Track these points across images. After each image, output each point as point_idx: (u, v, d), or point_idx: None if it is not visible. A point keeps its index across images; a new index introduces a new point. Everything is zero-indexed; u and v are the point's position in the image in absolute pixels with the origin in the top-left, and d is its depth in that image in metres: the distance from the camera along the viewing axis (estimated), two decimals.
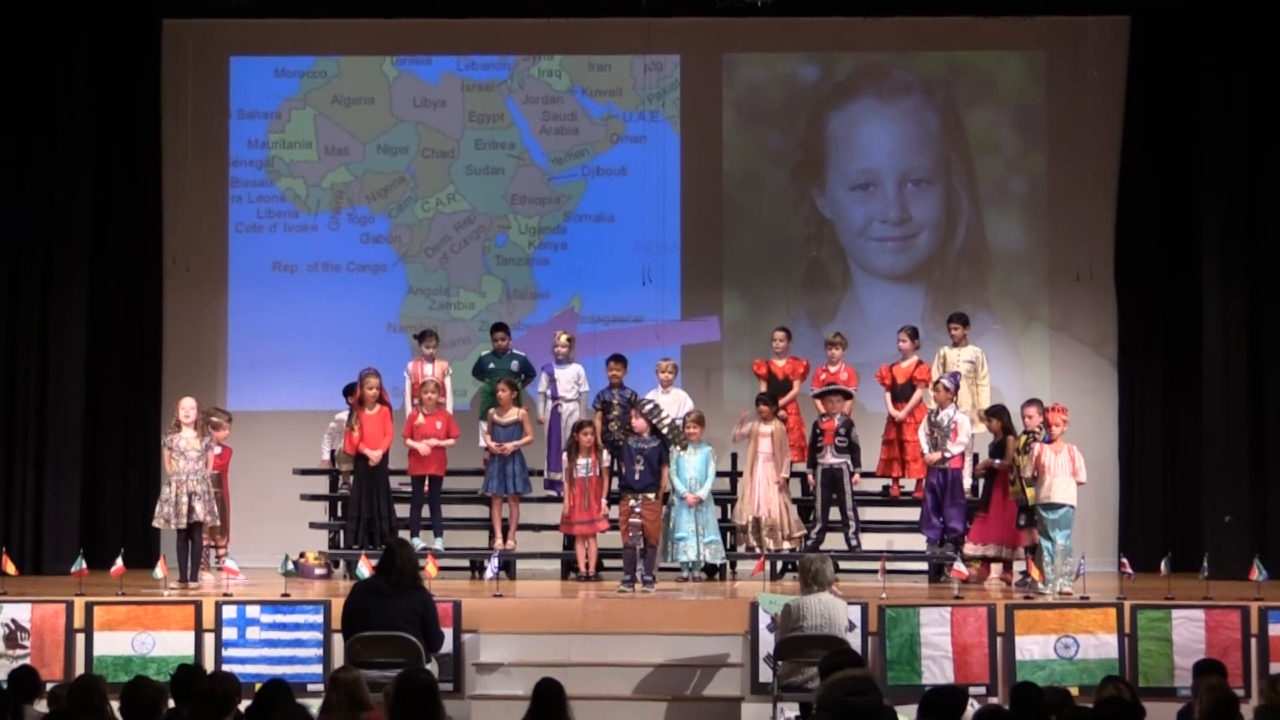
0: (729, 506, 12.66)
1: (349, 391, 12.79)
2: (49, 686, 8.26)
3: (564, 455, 12.25)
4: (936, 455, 12.04)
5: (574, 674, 9.65)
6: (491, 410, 12.55)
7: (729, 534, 12.39)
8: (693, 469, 12.07)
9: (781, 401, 12.68)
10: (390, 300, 14.58)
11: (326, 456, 12.97)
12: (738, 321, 14.56)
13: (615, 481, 12.27)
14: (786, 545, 12.16)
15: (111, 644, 10.41)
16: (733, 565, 12.45)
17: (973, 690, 9.92)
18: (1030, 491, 11.40)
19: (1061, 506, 11.22)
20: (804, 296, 14.55)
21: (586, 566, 12.13)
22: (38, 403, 13.23)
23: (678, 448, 12.06)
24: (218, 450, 12.18)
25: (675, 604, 11.10)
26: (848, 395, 12.56)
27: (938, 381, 12.31)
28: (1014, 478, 11.60)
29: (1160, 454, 13.89)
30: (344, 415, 12.72)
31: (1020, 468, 11.49)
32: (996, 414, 12.04)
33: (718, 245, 14.60)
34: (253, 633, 10.43)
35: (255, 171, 14.68)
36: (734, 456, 12.76)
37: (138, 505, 13.62)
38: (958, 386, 12.31)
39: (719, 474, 12.32)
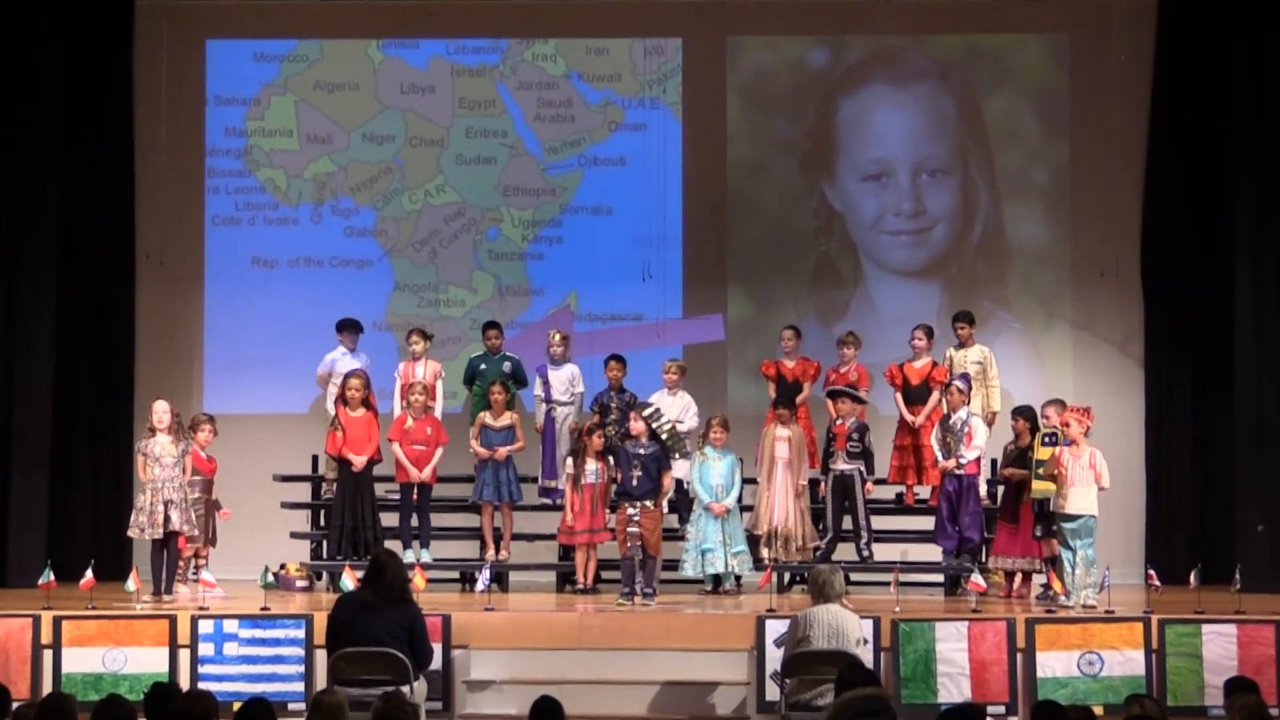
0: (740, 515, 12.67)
1: (342, 328, 12.93)
2: (15, 706, 8.24)
3: (568, 460, 12.23)
4: (951, 463, 12.04)
5: (570, 692, 9.64)
6: (483, 413, 12.55)
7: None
8: (718, 476, 12.08)
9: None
10: (376, 297, 14.57)
11: (331, 406, 12.74)
12: (743, 320, 14.57)
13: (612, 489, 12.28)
14: (798, 556, 12.17)
15: (81, 660, 10.40)
16: (738, 578, 12.44)
17: (991, 709, 9.93)
18: (1049, 485, 11.36)
19: (1080, 516, 11.21)
20: (813, 293, 14.55)
21: (585, 578, 12.13)
22: (3, 405, 13.22)
23: (694, 454, 12.09)
24: (205, 454, 12.17)
25: (677, 618, 11.11)
26: (859, 400, 12.56)
27: (950, 384, 12.32)
28: (1040, 472, 11.57)
29: (1190, 459, 13.88)
30: (333, 357, 12.94)
31: (1042, 461, 11.45)
32: (1024, 414, 12.03)
33: (722, 239, 14.59)
34: (230, 649, 10.42)
35: (233, 161, 14.67)
36: (740, 462, 12.74)
37: (109, 513, 13.60)
38: (970, 388, 12.32)
39: None
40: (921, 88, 14.67)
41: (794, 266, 14.59)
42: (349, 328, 13.23)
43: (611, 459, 12.11)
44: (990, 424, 12.70)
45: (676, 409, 12.63)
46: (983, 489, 12.39)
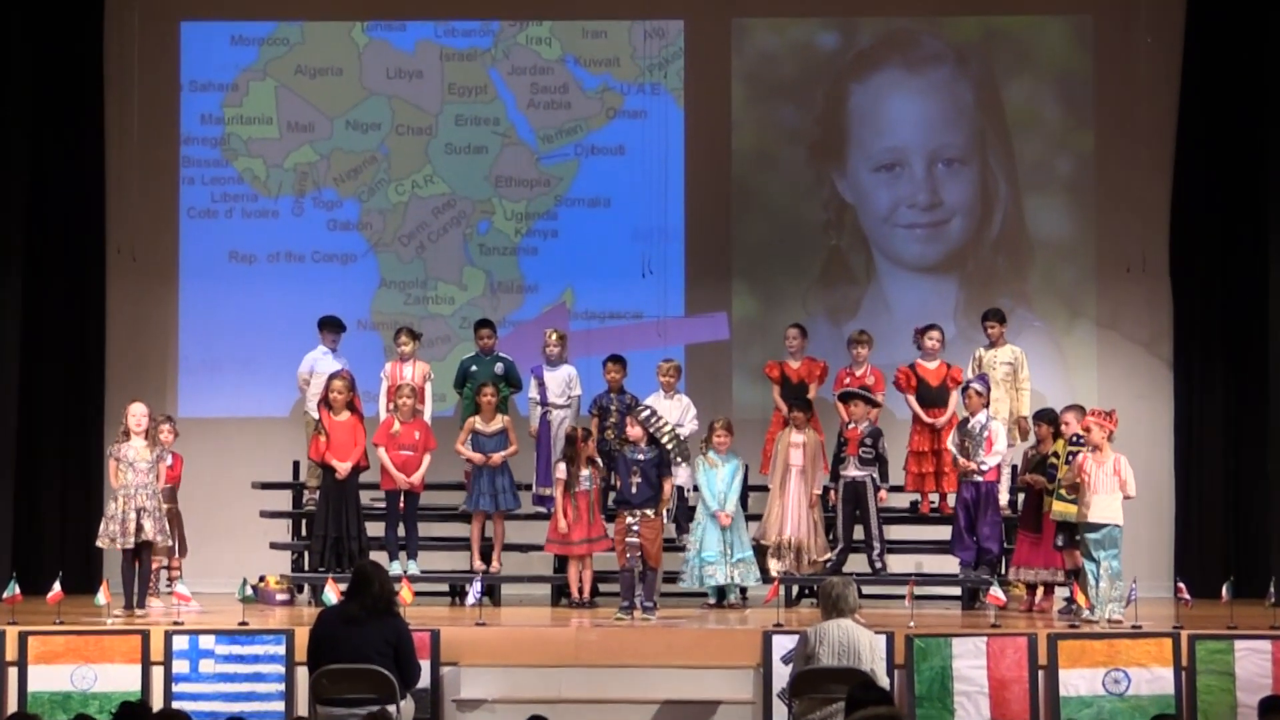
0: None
1: (323, 326, 12.97)
2: None
3: (559, 466, 12.20)
4: (973, 465, 12.01)
5: (566, 711, 9.67)
6: (473, 418, 12.53)
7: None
8: (721, 483, 12.07)
9: None
10: (360, 294, 14.57)
11: (312, 409, 12.74)
12: (748, 318, 14.56)
13: (610, 496, 12.27)
14: (810, 569, 12.16)
15: (48, 678, 10.37)
16: (743, 591, 12.45)
17: None
18: (1072, 508, 11.39)
19: (1104, 525, 11.20)
20: (822, 290, 14.55)
21: (580, 591, 12.13)
22: None
23: (697, 459, 12.09)
24: (168, 460, 12.16)
25: (678, 633, 11.09)
26: (873, 403, 12.55)
27: (968, 385, 12.31)
28: (1053, 487, 11.60)
29: (1221, 466, 13.87)
30: (314, 357, 12.97)
31: (1062, 479, 11.46)
32: (1046, 418, 12.01)
33: (726, 233, 14.60)
34: (206, 666, 10.40)
35: (209, 150, 14.67)
36: (746, 468, 12.74)
37: (78, 523, 13.59)
38: (989, 390, 12.31)
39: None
40: (937, 73, 14.67)
41: (802, 262, 14.59)
42: (330, 326, 13.22)
43: (600, 462, 12.08)
44: (1022, 429, 12.68)
45: (675, 412, 12.61)
46: (1003, 498, 12.39)
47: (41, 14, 13.80)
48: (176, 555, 12.37)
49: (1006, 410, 12.70)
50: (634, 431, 11.81)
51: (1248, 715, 9.94)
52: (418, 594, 11.35)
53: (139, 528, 11.46)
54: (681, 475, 12.35)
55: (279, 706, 10.26)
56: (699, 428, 12.65)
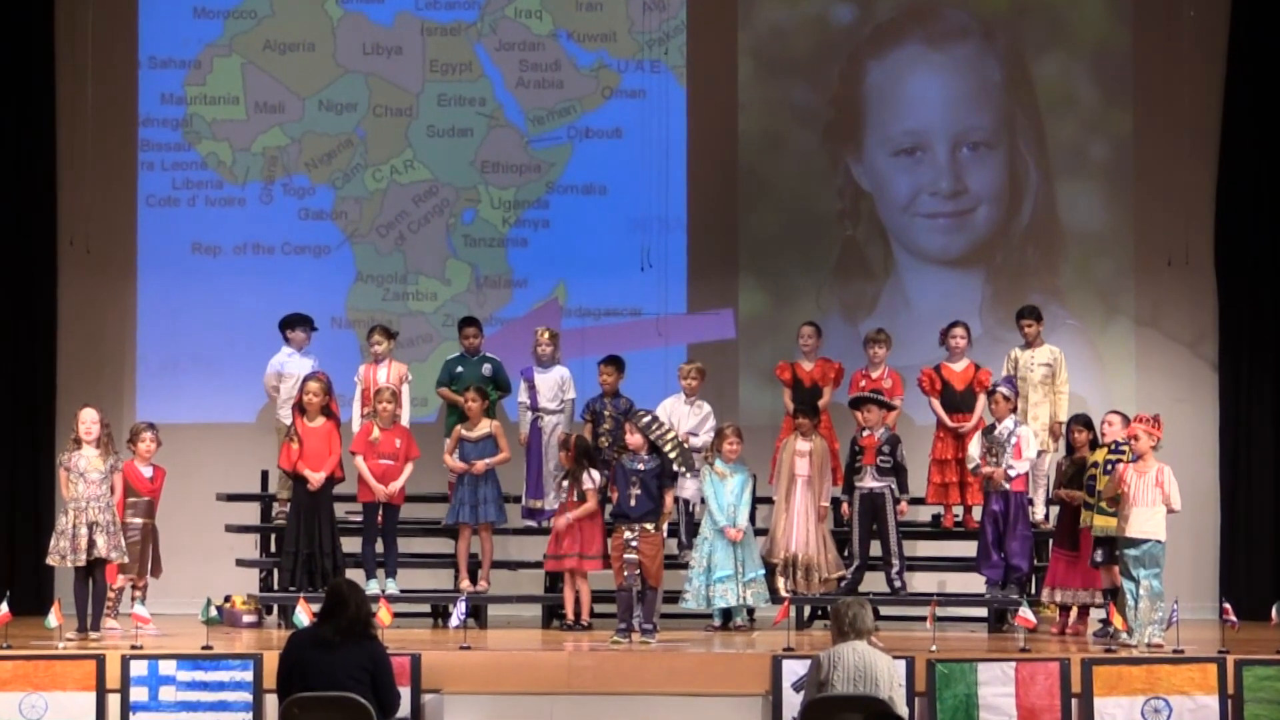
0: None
1: (290, 324, 12.97)
2: None
3: (557, 476, 12.22)
4: (1000, 471, 12.00)
5: None
6: (460, 426, 12.53)
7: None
8: (730, 495, 12.08)
9: None
10: (335, 289, 14.58)
11: (286, 417, 12.78)
12: (756, 316, 14.58)
13: (607, 509, 12.28)
14: (820, 588, 12.17)
15: None
16: (750, 612, 12.46)
17: None
18: (1114, 521, 11.40)
19: (1145, 541, 11.20)
20: (837, 285, 14.57)
21: (579, 612, 12.13)
22: None
23: (704, 469, 12.10)
24: (148, 472, 12.15)
25: (680, 658, 11.10)
26: (890, 407, 12.56)
27: (994, 389, 12.31)
28: (1093, 500, 11.60)
29: (1270, 476, 13.91)
30: (281, 360, 12.95)
31: (1103, 491, 11.47)
32: (1084, 423, 12.01)
33: (732, 223, 14.61)
34: (167, 694, 10.41)
35: (170, 133, 14.68)
36: (753, 478, 12.76)
37: (27, 539, 13.61)
38: (1017, 394, 12.32)
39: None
40: (962, 48, 14.69)
41: (815, 254, 14.61)
42: (297, 324, 13.17)
43: (595, 472, 12.06)
44: (1057, 436, 12.69)
45: (693, 419, 12.61)
46: (1040, 510, 12.39)
47: None
48: (147, 573, 12.31)
49: (1047, 415, 12.70)
50: (633, 439, 11.79)
51: None
52: (397, 615, 11.35)
53: (91, 543, 11.43)
54: (690, 487, 12.34)
55: None
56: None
